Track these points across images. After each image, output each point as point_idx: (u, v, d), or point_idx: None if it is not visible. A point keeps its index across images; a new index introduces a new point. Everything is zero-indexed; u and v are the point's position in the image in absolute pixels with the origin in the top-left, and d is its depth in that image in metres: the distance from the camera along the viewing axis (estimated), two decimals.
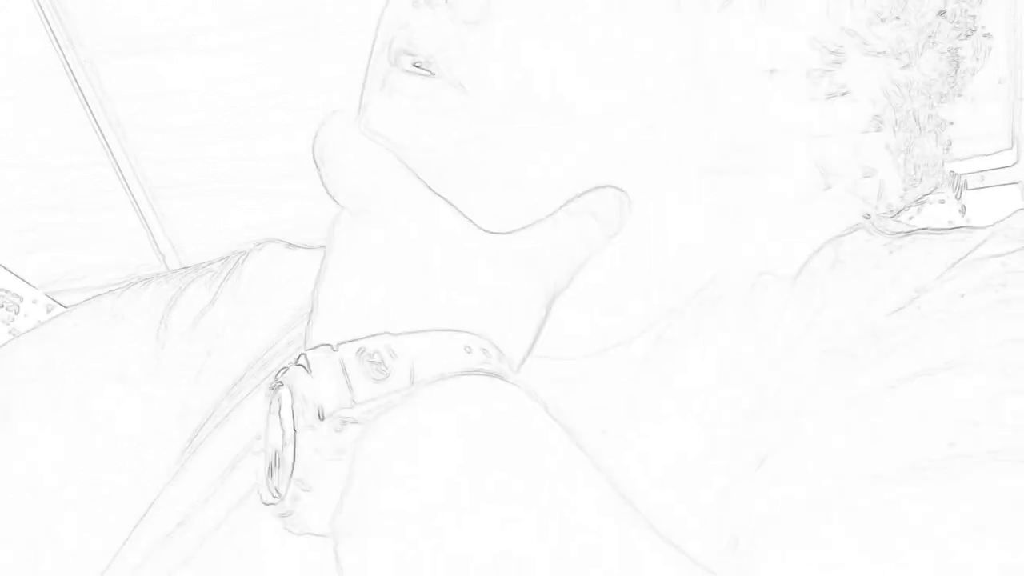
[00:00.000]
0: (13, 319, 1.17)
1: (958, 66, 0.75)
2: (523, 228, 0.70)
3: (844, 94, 0.72)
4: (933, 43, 0.74)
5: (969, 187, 1.10)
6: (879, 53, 0.73)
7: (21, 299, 1.18)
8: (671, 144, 0.72)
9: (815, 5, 0.72)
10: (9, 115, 1.13)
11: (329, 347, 0.65)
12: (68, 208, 1.16)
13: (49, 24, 1.10)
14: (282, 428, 0.64)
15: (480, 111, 0.70)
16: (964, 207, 1.07)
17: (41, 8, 1.09)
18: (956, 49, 0.75)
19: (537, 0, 0.70)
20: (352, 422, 0.63)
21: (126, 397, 0.82)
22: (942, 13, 0.74)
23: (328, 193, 0.70)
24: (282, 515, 0.64)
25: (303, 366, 0.64)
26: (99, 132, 1.14)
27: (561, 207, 0.71)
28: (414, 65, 0.71)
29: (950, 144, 0.77)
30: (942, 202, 1.06)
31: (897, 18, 0.73)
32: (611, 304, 0.75)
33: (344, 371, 0.64)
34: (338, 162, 0.70)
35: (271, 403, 0.65)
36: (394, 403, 0.63)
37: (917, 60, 0.73)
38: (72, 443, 0.81)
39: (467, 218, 0.69)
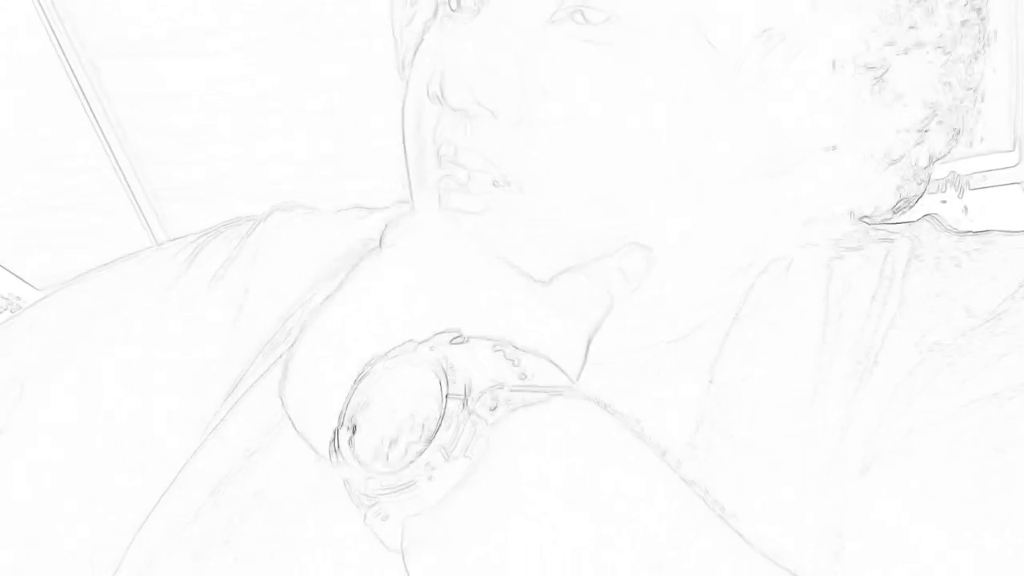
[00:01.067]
0: None
1: (983, 19, 0.77)
2: (560, 276, 0.73)
3: (898, 98, 0.74)
4: (966, 24, 0.75)
5: (971, 187, 1.10)
6: (921, 48, 0.73)
7: (23, 301, 1.18)
8: (671, 145, 0.72)
9: (845, 32, 0.73)
10: (10, 116, 1.13)
11: (455, 335, 0.67)
12: (69, 209, 1.16)
13: (50, 25, 1.10)
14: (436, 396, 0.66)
15: (536, 203, 0.73)
16: (967, 207, 1.07)
17: (42, 9, 1.09)
18: (980, 5, 0.76)
19: (570, 91, 0.72)
20: (503, 404, 0.65)
21: (126, 397, 0.82)
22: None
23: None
24: (396, 488, 0.65)
25: (439, 345, 0.67)
26: (100, 133, 1.14)
27: (592, 260, 0.74)
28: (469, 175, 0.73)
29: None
30: (944, 202, 1.06)
31: (931, 13, 0.73)
32: (648, 306, 0.76)
33: (487, 358, 0.67)
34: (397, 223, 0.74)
35: (417, 373, 0.67)
36: (533, 401, 0.66)
37: (957, 47, 0.75)
38: (76, 438, 0.81)
39: (509, 263, 0.72)
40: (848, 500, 0.68)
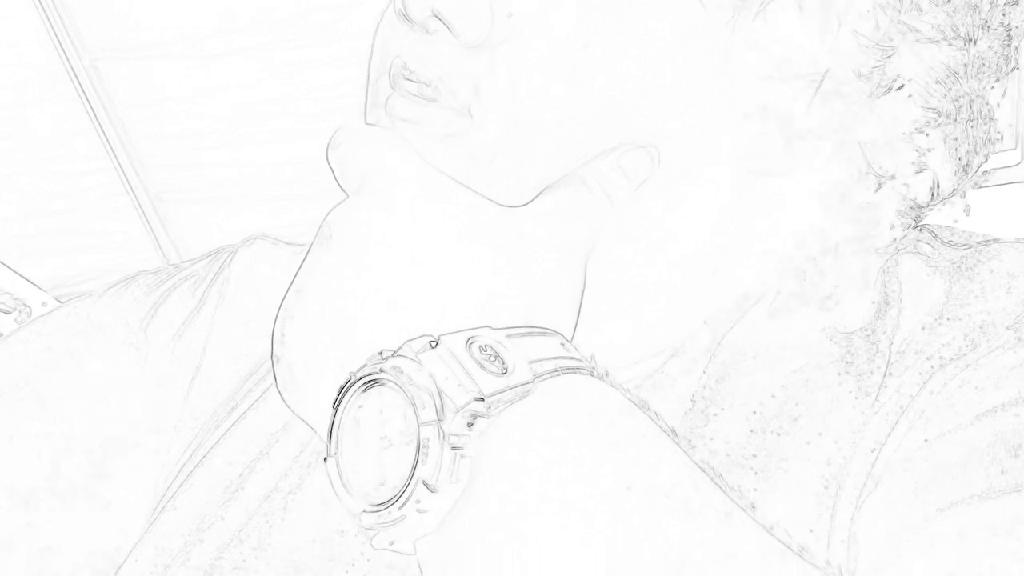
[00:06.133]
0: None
1: (1011, 39, 0.73)
2: (548, 191, 0.68)
3: (899, 88, 0.70)
4: (988, 24, 0.71)
5: (973, 186, 1.09)
6: (932, 41, 0.70)
7: (30, 304, 1.18)
8: (683, 136, 0.69)
9: (860, 1, 0.69)
10: (14, 120, 1.14)
11: (427, 339, 0.61)
12: (72, 211, 1.17)
13: (53, 30, 1.11)
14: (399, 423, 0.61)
15: (485, 135, 0.69)
16: (968, 206, 1.06)
17: (45, 14, 1.10)
18: (1009, 22, 0.73)
19: (542, 14, 0.68)
20: (482, 416, 0.60)
21: (108, 414, 0.80)
22: None
23: (337, 182, 0.68)
24: (390, 523, 0.60)
25: (408, 357, 0.60)
26: (104, 138, 1.15)
27: (588, 162, 0.68)
28: (417, 88, 0.69)
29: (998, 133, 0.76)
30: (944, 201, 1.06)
31: (949, 1, 0.70)
32: (638, 313, 0.73)
33: (460, 363, 0.60)
34: (346, 145, 0.68)
35: (380, 397, 0.61)
36: (515, 399, 0.61)
37: (973, 43, 0.71)
38: (56, 459, 0.80)
39: (482, 195, 0.67)
40: (861, 511, 0.66)
